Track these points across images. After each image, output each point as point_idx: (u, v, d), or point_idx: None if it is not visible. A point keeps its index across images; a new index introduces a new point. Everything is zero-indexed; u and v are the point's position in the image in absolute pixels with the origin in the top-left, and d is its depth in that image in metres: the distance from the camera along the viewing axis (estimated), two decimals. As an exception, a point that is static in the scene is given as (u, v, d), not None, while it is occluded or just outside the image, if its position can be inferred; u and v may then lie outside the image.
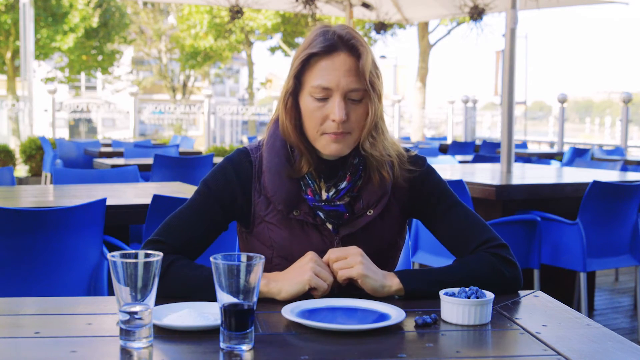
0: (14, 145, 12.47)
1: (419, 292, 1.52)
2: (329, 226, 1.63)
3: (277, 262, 1.63)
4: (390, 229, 1.68)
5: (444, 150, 9.46)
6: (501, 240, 1.65)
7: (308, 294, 1.50)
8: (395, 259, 1.76)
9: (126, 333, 1.19)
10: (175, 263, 1.53)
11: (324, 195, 1.62)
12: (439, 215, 1.68)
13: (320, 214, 1.62)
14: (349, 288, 1.64)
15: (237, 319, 1.19)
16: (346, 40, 1.57)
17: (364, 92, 1.57)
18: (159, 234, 1.59)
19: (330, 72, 1.55)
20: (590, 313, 4.51)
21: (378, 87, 1.59)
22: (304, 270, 1.47)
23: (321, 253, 1.56)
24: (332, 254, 1.52)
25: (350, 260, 1.49)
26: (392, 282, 1.52)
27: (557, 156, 8.61)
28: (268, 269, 1.59)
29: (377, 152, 1.60)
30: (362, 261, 1.49)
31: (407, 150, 1.72)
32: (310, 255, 1.50)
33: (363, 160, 1.63)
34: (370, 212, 1.63)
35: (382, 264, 1.60)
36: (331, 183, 1.62)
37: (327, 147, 1.58)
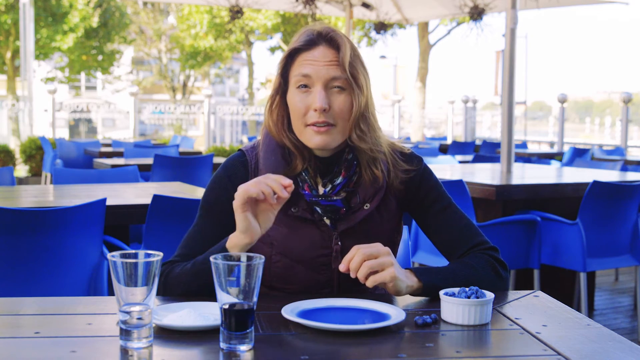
0: (14, 145, 12.47)
1: (434, 290, 1.50)
2: (327, 221, 1.63)
3: (277, 259, 1.63)
4: (388, 222, 1.68)
5: (444, 150, 9.47)
6: (491, 243, 1.68)
7: (307, 294, 1.50)
8: (394, 255, 1.75)
9: (126, 333, 1.19)
10: (172, 270, 1.57)
11: (321, 190, 1.63)
12: (433, 216, 1.70)
13: (318, 209, 1.62)
14: (349, 286, 1.64)
15: (237, 319, 1.19)
16: (325, 34, 1.62)
17: (346, 82, 1.59)
18: (176, 255, 1.64)
19: (311, 62, 1.60)
20: (590, 313, 4.51)
21: (361, 80, 1.60)
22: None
23: (321, 249, 1.61)
24: (362, 249, 1.46)
25: (382, 261, 1.45)
26: (413, 281, 1.52)
27: (557, 156, 8.61)
28: (267, 267, 1.61)
29: (366, 145, 1.61)
30: (392, 262, 1.47)
31: (402, 149, 1.72)
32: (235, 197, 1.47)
33: (357, 156, 1.64)
34: (366, 206, 1.63)
35: None
36: (327, 179, 1.64)
37: (311, 139, 1.59)
